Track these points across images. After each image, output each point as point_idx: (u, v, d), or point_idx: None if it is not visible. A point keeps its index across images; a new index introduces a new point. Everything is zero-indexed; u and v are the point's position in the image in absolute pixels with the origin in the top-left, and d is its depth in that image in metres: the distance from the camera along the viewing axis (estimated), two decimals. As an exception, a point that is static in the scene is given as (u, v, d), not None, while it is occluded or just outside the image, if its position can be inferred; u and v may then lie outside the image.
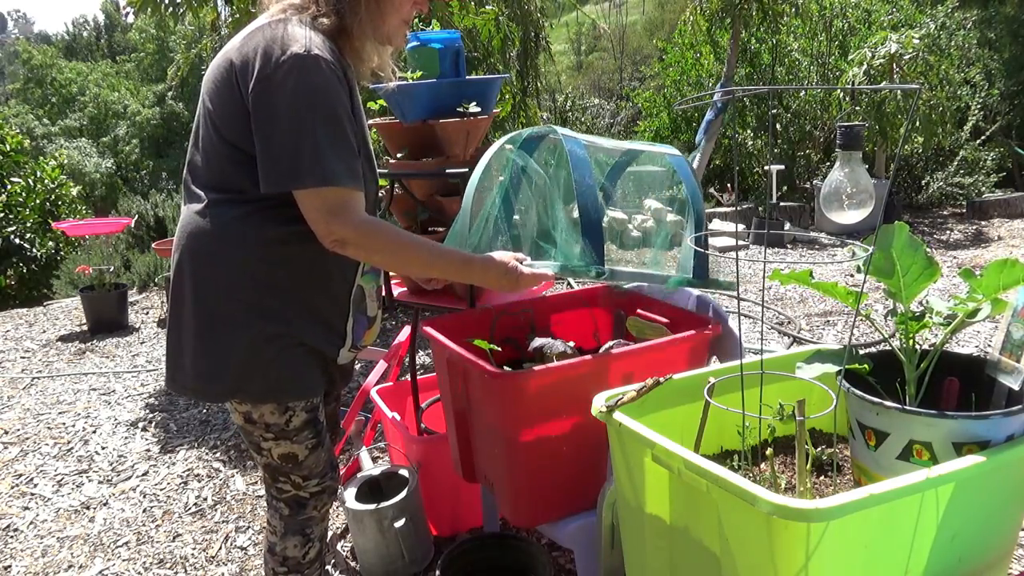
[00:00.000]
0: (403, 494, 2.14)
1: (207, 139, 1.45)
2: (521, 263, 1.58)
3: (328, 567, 2.29)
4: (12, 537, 2.66)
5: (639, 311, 1.98)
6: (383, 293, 1.67)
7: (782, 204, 7.72)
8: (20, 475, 3.13)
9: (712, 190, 8.64)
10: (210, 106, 1.43)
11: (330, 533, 2.36)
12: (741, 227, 7.31)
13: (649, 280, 1.77)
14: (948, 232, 7.40)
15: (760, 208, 8.19)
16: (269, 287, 1.45)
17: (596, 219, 1.59)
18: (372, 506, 2.10)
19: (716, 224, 7.45)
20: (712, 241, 6.88)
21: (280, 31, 1.36)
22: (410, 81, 2.26)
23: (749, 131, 9.31)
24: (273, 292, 1.45)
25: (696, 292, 2.29)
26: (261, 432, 1.51)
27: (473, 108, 2.23)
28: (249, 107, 1.36)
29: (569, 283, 5.66)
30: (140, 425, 3.57)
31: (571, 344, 1.88)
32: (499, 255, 1.57)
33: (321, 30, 1.41)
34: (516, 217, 1.88)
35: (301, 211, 1.38)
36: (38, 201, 7.13)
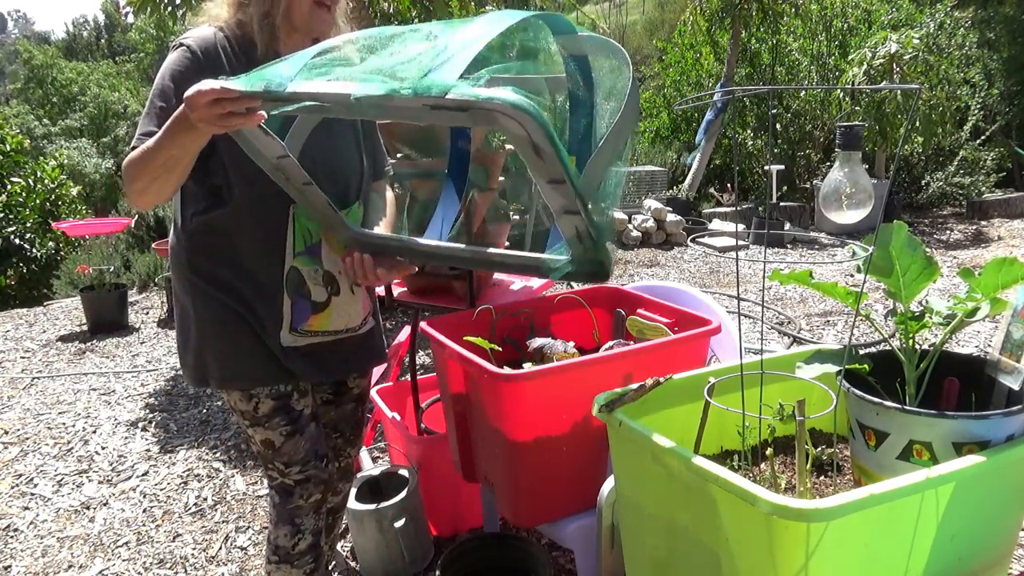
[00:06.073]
0: (403, 494, 2.14)
1: None
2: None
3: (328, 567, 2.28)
4: (12, 537, 2.65)
5: (639, 311, 1.98)
6: (360, 288, 1.70)
7: (782, 204, 7.72)
8: (20, 475, 3.13)
9: (712, 190, 8.64)
10: None
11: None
12: (741, 227, 7.31)
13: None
14: (948, 232, 7.40)
15: (760, 208, 8.19)
16: (204, 275, 1.53)
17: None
18: (372, 506, 2.10)
19: (716, 224, 7.45)
20: (712, 241, 6.88)
21: None
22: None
23: (749, 131, 9.32)
24: (208, 280, 1.53)
25: (696, 293, 2.29)
26: (240, 419, 1.61)
27: (473, 108, 2.22)
28: None
29: (570, 283, 5.66)
30: (140, 425, 3.57)
31: (571, 344, 1.88)
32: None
33: (236, 27, 1.49)
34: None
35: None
36: (38, 201, 7.13)
